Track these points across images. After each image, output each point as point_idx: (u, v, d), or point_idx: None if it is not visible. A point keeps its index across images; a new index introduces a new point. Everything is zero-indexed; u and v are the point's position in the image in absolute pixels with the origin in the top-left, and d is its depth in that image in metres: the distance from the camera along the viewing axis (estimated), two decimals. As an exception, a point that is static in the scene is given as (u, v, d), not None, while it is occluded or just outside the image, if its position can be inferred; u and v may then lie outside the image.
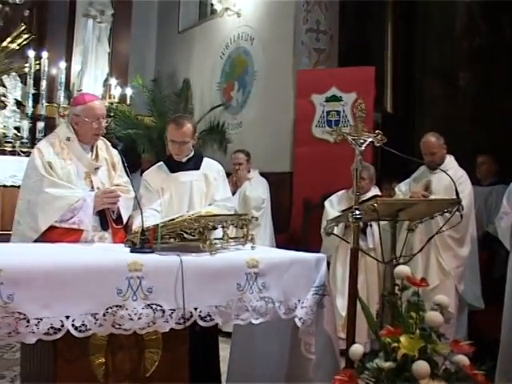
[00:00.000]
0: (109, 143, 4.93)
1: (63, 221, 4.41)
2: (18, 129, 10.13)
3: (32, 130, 10.16)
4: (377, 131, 4.25)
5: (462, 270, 5.94)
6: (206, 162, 5.23)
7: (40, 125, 10.12)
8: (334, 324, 4.21)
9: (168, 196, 4.98)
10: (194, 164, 5.12)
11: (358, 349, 3.70)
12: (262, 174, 8.03)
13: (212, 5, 11.00)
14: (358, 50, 10.13)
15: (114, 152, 4.88)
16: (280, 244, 7.54)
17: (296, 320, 3.98)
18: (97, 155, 4.76)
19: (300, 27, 9.15)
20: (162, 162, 5.20)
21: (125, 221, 4.73)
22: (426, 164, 6.11)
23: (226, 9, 10.44)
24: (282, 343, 4.31)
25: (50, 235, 4.41)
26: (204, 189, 5.04)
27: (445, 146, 6.09)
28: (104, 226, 4.63)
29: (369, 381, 3.63)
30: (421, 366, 3.40)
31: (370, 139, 4.22)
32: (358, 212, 4.13)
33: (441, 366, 3.60)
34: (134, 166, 9.84)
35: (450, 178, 4.82)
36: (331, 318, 4.18)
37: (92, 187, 4.62)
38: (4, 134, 10.09)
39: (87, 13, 11.20)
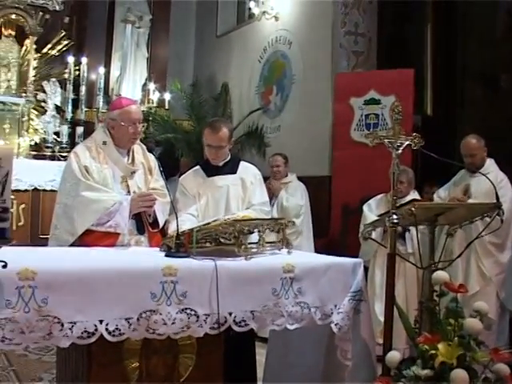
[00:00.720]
0: (145, 147, 4.92)
1: (100, 224, 4.42)
2: (57, 134, 10.25)
3: (71, 135, 10.30)
4: (414, 134, 4.17)
5: (503, 276, 5.82)
6: (243, 165, 5.20)
7: (79, 130, 10.26)
8: (370, 330, 4.13)
9: (204, 200, 4.95)
10: (231, 168, 5.09)
11: (394, 356, 3.64)
12: (300, 179, 7.98)
13: (250, 9, 10.98)
14: (396, 53, 10.01)
15: (151, 156, 4.87)
16: (319, 249, 7.47)
17: (332, 326, 3.90)
18: (133, 159, 4.76)
19: (338, 30, 9.09)
20: (198, 167, 5.18)
21: (161, 225, 4.71)
22: (465, 167, 6.01)
23: (264, 12, 10.39)
24: (318, 350, 4.24)
25: (87, 239, 4.42)
26: (241, 193, 5.00)
27: (485, 148, 5.98)
28: (140, 229, 4.62)
29: (406, 389, 3.57)
30: (459, 375, 3.33)
31: (407, 142, 4.15)
32: (395, 216, 4.06)
33: (480, 374, 3.52)
34: (173, 170, 9.89)
35: (489, 181, 4.73)
36: (368, 323, 4.10)
37: (128, 191, 4.62)
38: (44, 138, 10.24)
39: (126, 18, 11.28)
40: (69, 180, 4.55)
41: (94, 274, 3.24)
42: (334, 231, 8.41)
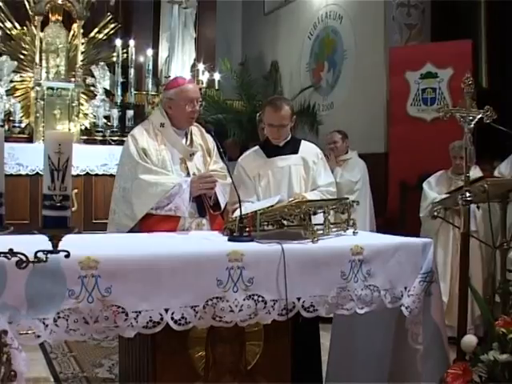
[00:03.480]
0: (203, 129, 4.83)
1: (159, 208, 4.36)
2: (107, 118, 10.26)
3: (122, 119, 10.29)
4: (486, 107, 3.97)
5: None
6: (304, 145, 5.05)
7: (129, 113, 10.25)
8: (441, 312, 3.99)
9: (265, 182, 4.82)
10: (292, 148, 4.94)
11: (471, 340, 3.48)
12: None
13: (298, -16, 10.79)
14: (451, 24, 9.73)
15: (209, 138, 4.78)
16: (377, 228, 7.34)
17: (403, 309, 3.77)
18: (191, 141, 4.68)
19: (390, 2, 8.83)
20: (257, 147, 5.03)
21: (222, 207, 4.62)
22: None
23: (313, -13, 10.22)
24: (386, 335, 4.10)
25: (147, 223, 4.38)
26: (303, 173, 4.85)
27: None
28: (201, 212, 4.54)
29: (482, 374, 3.42)
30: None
31: (480, 116, 3.96)
32: (468, 194, 3.88)
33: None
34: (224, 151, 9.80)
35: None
36: (439, 305, 3.96)
37: (188, 173, 4.54)
38: (94, 123, 10.26)
39: (172, -1, 11.15)
40: (127, 163, 4.49)
41: (157, 261, 3.16)
42: (392, 209, 8.23)
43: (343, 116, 9.53)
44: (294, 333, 3.76)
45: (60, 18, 10.43)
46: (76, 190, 9.02)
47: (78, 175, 9.21)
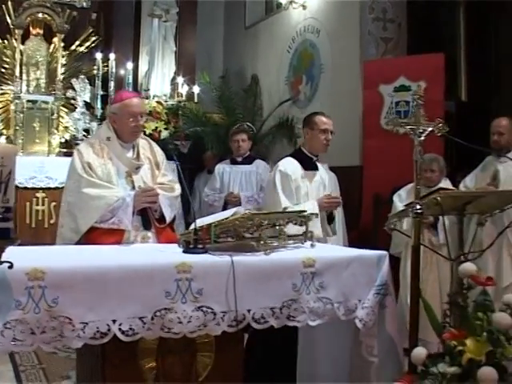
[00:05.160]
0: (153, 142, 4.91)
1: (103, 221, 4.39)
2: (87, 130, 10.25)
3: (102, 132, 10.22)
4: (438, 120, 4.00)
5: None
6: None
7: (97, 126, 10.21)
8: (396, 325, 4.00)
9: (302, 195, 4.99)
10: (316, 164, 5.27)
11: (420, 352, 3.49)
12: (331, 168, 7.83)
13: (277, -2, 10.85)
14: (428, 38, 9.79)
15: (158, 151, 4.85)
16: (350, 241, 7.34)
17: (356, 321, 3.79)
18: (138, 154, 4.72)
19: (366, 16, 8.86)
20: (290, 158, 5.23)
21: (168, 219, 4.65)
22: (491, 145, 5.81)
23: (291, 1, 10.25)
24: (343, 345, 4.13)
25: (92, 236, 4.39)
26: (322, 192, 5.15)
27: (516, 133, 5.79)
28: (146, 225, 4.57)
29: (432, 387, 3.42)
30: (486, 372, 3.17)
31: (430, 128, 3.98)
32: (418, 206, 3.91)
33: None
34: (202, 164, 9.84)
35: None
36: (393, 318, 3.97)
37: (133, 186, 4.57)
38: (74, 135, 10.22)
39: (152, 12, 11.18)
40: (72, 177, 4.54)
41: (104, 272, 3.17)
42: (366, 223, 8.24)
43: (320, 129, 9.55)
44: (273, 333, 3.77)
45: (41, 32, 10.45)
46: (55, 203, 9.02)
47: (56, 188, 9.19)
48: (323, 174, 5.44)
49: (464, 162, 7.66)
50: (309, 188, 5.07)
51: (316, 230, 4.81)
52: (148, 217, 4.57)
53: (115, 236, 4.39)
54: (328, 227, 5.24)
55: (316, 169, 5.32)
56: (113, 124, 4.64)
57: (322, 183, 5.36)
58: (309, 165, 5.13)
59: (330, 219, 5.27)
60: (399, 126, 4.00)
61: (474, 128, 7.31)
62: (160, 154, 4.82)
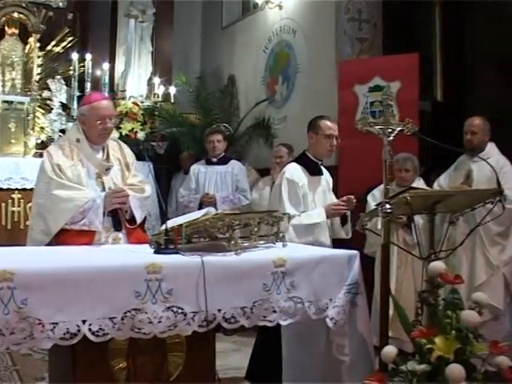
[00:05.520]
0: (123, 144, 4.95)
1: (74, 222, 4.41)
2: (63, 131, 10.14)
3: (78, 132, 10.18)
4: (406, 119, 4.03)
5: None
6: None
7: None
8: (367, 324, 4.03)
9: (308, 201, 4.96)
10: (321, 169, 5.28)
11: (390, 351, 3.51)
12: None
13: (253, -1, 10.86)
14: (404, 38, 9.82)
15: (129, 152, 4.88)
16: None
17: (327, 320, 3.82)
18: (108, 156, 4.74)
19: (341, 17, 8.87)
20: (295, 164, 5.22)
21: (138, 220, 4.67)
22: (464, 145, 5.84)
23: (267, 1, 10.26)
24: (316, 345, 4.14)
25: (63, 238, 4.41)
26: (328, 197, 5.18)
27: (488, 132, 5.83)
28: (117, 226, 4.59)
29: (402, 385, 3.45)
30: (454, 370, 3.20)
31: (399, 128, 4.01)
32: (388, 206, 3.93)
33: (480, 368, 3.40)
34: (178, 164, 9.82)
35: (489, 165, 4.60)
36: (365, 317, 4.01)
37: (103, 188, 4.60)
38: (50, 137, 10.14)
39: (129, 13, 11.13)
40: (42, 179, 4.56)
41: (74, 273, 3.17)
42: (341, 222, 8.27)
43: (296, 129, 9.51)
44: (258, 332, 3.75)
45: (16, 32, 10.34)
46: (30, 204, 8.94)
47: (32, 189, 9.07)
48: (328, 177, 5.45)
49: (438, 162, 7.71)
50: (315, 194, 5.04)
51: (323, 238, 4.89)
52: (119, 218, 4.59)
53: (86, 237, 4.41)
54: (341, 229, 5.30)
55: (321, 173, 5.32)
56: (82, 126, 4.66)
57: (327, 187, 5.38)
58: (314, 170, 5.10)
59: (344, 220, 5.31)
60: (368, 126, 4.01)
61: (450, 127, 7.33)
62: (130, 155, 4.85)
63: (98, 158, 4.66)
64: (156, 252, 3.69)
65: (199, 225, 3.77)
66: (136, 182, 4.74)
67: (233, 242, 3.69)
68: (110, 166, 4.66)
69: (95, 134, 4.61)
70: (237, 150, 10.15)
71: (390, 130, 3.96)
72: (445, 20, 10.52)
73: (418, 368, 3.35)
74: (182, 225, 3.76)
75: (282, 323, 3.69)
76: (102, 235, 4.46)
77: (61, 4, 10.75)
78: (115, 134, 8.05)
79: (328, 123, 5.22)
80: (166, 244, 3.70)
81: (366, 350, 3.98)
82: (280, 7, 10.19)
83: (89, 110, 4.62)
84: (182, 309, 3.37)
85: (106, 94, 10.27)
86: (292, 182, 5.06)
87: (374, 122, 4.06)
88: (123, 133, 9.96)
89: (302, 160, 5.18)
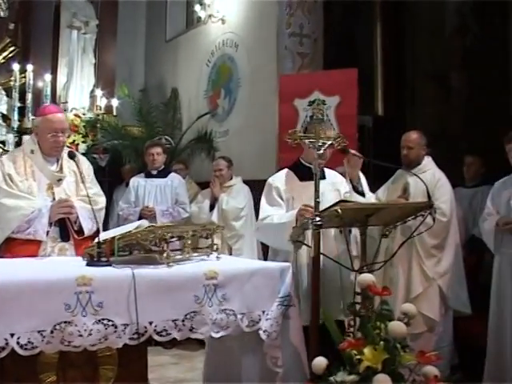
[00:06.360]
0: (81, 156, 4.98)
1: (20, 231, 4.43)
2: (3, 143, 10.06)
3: (18, 144, 10.04)
4: (337, 133, 4.09)
5: (447, 276, 5.73)
6: (328, 171, 5.19)
7: (26, 138, 10.00)
8: (300, 335, 4.05)
9: (298, 205, 4.79)
10: (321, 173, 4.94)
11: (321, 362, 3.55)
12: (248, 182, 7.90)
13: (196, 12, 10.87)
14: (345, 53, 9.98)
15: (85, 164, 4.89)
16: (266, 253, 7.37)
17: (260, 333, 3.82)
18: (61, 167, 4.74)
19: (283, 32, 8.96)
20: (287, 170, 5.14)
21: (87, 231, 4.64)
22: (402, 159, 5.92)
23: (210, 16, 10.32)
24: (252, 357, 4.14)
25: (9, 247, 4.45)
26: (334, 199, 4.76)
27: (425, 147, 5.89)
28: (64, 237, 4.59)
29: (330, 396, 3.49)
30: (380, 379, 3.25)
31: (330, 142, 4.07)
32: (318, 219, 3.98)
33: (408, 378, 3.46)
34: (120, 177, 9.77)
35: (420, 180, 4.68)
36: (298, 329, 4.02)
37: (54, 198, 4.59)
38: (-11, 147, 10.02)
39: (71, 24, 11.09)
40: None
41: (2, 286, 3.12)
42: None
43: (237, 143, 9.64)
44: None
45: (-44, 41, 10.27)
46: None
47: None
48: (335, 179, 5.19)
49: (379, 175, 7.82)
50: (306, 198, 4.85)
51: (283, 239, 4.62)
52: (67, 228, 4.60)
53: (32, 247, 4.44)
54: None
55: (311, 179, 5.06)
56: (36, 137, 4.71)
57: (328, 191, 5.03)
58: (305, 175, 4.96)
59: None
60: (299, 140, 4.06)
61: (391, 141, 7.45)
62: (86, 168, 4.88)
63: (50, 169, 4.69)
64: (88, 264, 3.68)
65: (132, 237, 3.76)
66: (90, 193, 4.71)
67: (165, 255, 3.68)
68: (61, 177, 4.69)
69: (47, 146, 4.65)
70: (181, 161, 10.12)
71: (320, 144, 4.01)
72: (385, 36, 10.70)
73: (347, 379, 3.40)
74: (114, 237, 3.75)
75: (214, 335, 3.68)
76: (48, 245, 4.49)
77: (2, 13, 10.67)
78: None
79: None
80: (99, 256, 3.69)
81: (300, 362, 3.99)
82: (223, 21, 10.26)
83: (42, 122, 4.67)
84: (112, 321, 3.35)
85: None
86: (270, 185, 5.04)
87: (305, 135, 4.10)
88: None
89: (293, 166, 5.15)
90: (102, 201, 4.87)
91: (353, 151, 4.86)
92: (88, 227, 4.63)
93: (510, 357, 5.24)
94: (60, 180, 4.67)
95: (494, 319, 5.46)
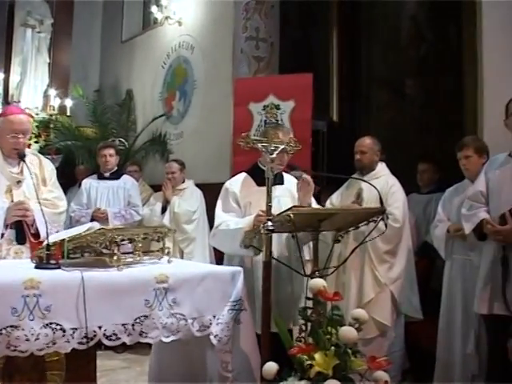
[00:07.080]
0: (43, 158, 4.93)
1: None
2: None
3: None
4: (290, 138, 4.09)
5: (399, 281, 5.76)
6: (286, 176, 5.12)
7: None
8: (252, 340, 4.03)
9: (256, 211, 4.68)
10: (279, 179, 4.95)
11: (271, 367, 3.54)
12: (202, 185, 7.87)
13: (153, 13, 10.82)
14: (301, 58, 10.01)
15: (48, 167, 4.87)
16: (218, 258, 7.34)
17: (211, 338, 3.80)
18: (22, 169, 4.70)
19: (239, 35, 8.99)
20: (245, 174, 5.06)
21: (42, 234, 4.55)
22: (355, 164, 5.94)
23: (167, 17, 10.28)
24: (202, 361, 4.12)
25: None
26: (290, 204, 4.66)
27: (378, 153, 5.92)
28: (20, 239, 4.56)
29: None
30: (330, 385, 3.25)
31: (282, 146, 4.07)
32: (270, 223, 3.97)
33: (358, 383, 3.47)
34: (73, 178, 9.64)
35: (372, 186, 4.71)
36: (249, 333, 4.00)
37: (12, 201, 4.56)
38: None
39: (25, 22, 10.95)
40: None
41: None
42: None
43: (192, 145, 9.62)
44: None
45: None
46: None
47: None
48: (292, 186, 5.06)
49: (332, 180, 7.84)
50: (262, 205, 4.72)
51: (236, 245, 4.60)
52: (23, 231, 4.57)
53: None
54: None
55: (279, 183, 5.00)
56: None
57: (284, 196, 5.00)
58: (263, 179, 4.82)
59: None
60: (251, 144, 4.05)
61: (345, 147, 7.48)
62: (48, 171, 4.86)
63: (10, 170, 4.66)
64: (37, 267, 3.60)
65: (82, 240, 3.70)
66: (51, 197, 4.74)
67: (115, 258, 3.64)
68: (21, 180, 4.65)
69: (7, 147, 4.63)
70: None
71: (272, 148, 4.01)
72: (341, 42, 10.77)
73: (297, 384, 3.39)
74: (64, 240, 3.70)
75: (165, 340, 3.64)
76: (3, 247, 4.47)
77: (-46, 11, 10.49)
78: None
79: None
80: (48, 259, 3.62)
81: (250, 367, 3.97)
82: (179, 23, 10.24)
83: (3, 122, 4.64)
84: (60, 325, 3.28)
85: (1, 105, 10.09)
86: (227, 190, 4.97)
87: (257, 139, 4.08)
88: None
89: (250, 170, 5.08)
90: (62, 204, 4.86)
91: (304, 176, 4.85)
92: (44, 231, 4.54)
93: (458, 359, 5.30)
94: (19, 182, 4.64)
95: (443, 323, 5.51)
